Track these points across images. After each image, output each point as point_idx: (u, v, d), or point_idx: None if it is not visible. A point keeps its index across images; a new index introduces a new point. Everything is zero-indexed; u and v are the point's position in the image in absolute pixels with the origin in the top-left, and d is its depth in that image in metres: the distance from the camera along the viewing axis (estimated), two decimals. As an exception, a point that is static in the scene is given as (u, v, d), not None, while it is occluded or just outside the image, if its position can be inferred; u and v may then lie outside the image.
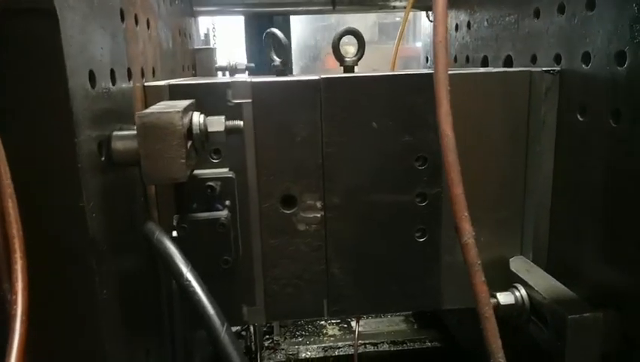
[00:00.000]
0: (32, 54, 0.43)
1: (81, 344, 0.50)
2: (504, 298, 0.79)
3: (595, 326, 0.68)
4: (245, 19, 2.01)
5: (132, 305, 0.61)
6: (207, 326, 0.54)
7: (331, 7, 1.35)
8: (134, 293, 0.63)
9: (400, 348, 1.52)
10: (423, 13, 1.49)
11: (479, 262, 0.59)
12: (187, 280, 0.55)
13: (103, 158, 0.53)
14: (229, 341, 0.53)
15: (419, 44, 1.75)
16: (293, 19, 1.88)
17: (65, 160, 0.45)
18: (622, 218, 0.67)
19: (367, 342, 1.54)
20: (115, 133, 0.55)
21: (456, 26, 1.25)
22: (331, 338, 1.58)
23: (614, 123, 0.68)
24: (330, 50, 0.95)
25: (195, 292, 0.55)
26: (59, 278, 0.47)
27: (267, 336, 1.60)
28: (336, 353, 1.51)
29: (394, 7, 1.40)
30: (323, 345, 1.55)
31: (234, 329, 1.54)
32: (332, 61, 1.00)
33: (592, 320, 0.68)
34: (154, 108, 0.56)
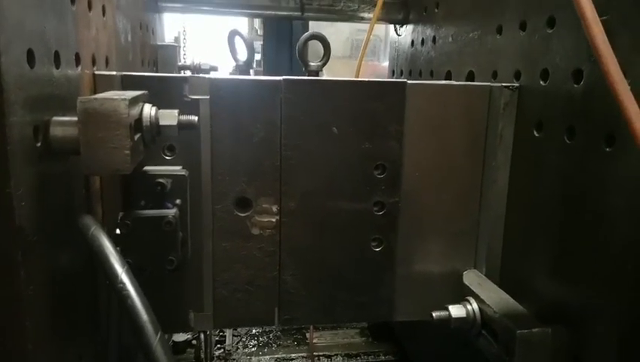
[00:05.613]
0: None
1: (1, 343, 0.46)
2: (456, 311, 0.78)
3: (543, 342, 0.68)
4: (265, 23, 2.04)
5: (64, 306, 0.57)
6: (140, 333, 0.50)
7: (300, 13, 1.34)
8: (68, 293, 0.59)
9: (354, 361, 1.51)
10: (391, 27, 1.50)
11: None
12: (121, 282, 0.51)
13: (39, 144, 0.49)
14: (161, 352, 0.50)
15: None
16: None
17: (-8, 141, 0.42)
18: (574, 234, 0.68)
19: (321, 354, 1.52)
20: (55, 118, 0.51)
21: (422, 40, 1.26)
22: (285, 349, 1.55)
23: (569, 139, 0.69)
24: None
25: (128, 296, 0.51)
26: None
27: (219, 345, 1.55)
28: (289, 364, 1.48)
29: (362, 18, 1.41)
30: (276, 356, 1.51)
31: (185, 336, 1.50)
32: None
33: (540, 336, 0.68)
34: (99, 95, 0.53)
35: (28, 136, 0.47)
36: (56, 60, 0.54)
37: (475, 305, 0.78)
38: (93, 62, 0.69)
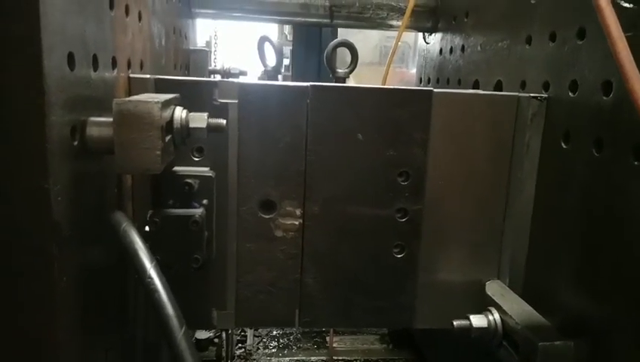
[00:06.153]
0: (6, 26, 0.42)
1: (32, 331, 0.48)
2: (477, 320, 0.78)
3: (565, 355, 0.68)
4: (295, 29, 2.11)
5: (94, 300, 0.60)
6: (165, 326, 0.52)
7: (329, 20, 1.35)
8: (98, 288, 0.61)
9: (373, 367, 1.51)
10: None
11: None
12: (150, 277, 0.53)
13: (76, 143, 0.52)
14: (185, 345, 0.51)
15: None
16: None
17: (33, 139, 0.44)
18: (599, 247, 0.67)
19: (340, 358, 1.52)
20: (91, 118, 0.54)
21: (451, 49, 1.26)
22: (304, 352, 1.55)
23: (597, 152, 0.68)
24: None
25: (156, 291, 0.53)
26: (14, 261, 0.46)
27: (240, 345, 1.57)
28: (309, 367, 1.49)
29: (391, 26, 1.41)
30: (296, 358, 1.52)
31: (207, 334, 1.52)
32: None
33: (562, 349, 0.67)
34: (134, 98, 0.55)
35: (66, 135, 0.50)
36: (94, 63, 0.57)
37: (496, 316, 0.77)
38: (129, 66, 0.72)
